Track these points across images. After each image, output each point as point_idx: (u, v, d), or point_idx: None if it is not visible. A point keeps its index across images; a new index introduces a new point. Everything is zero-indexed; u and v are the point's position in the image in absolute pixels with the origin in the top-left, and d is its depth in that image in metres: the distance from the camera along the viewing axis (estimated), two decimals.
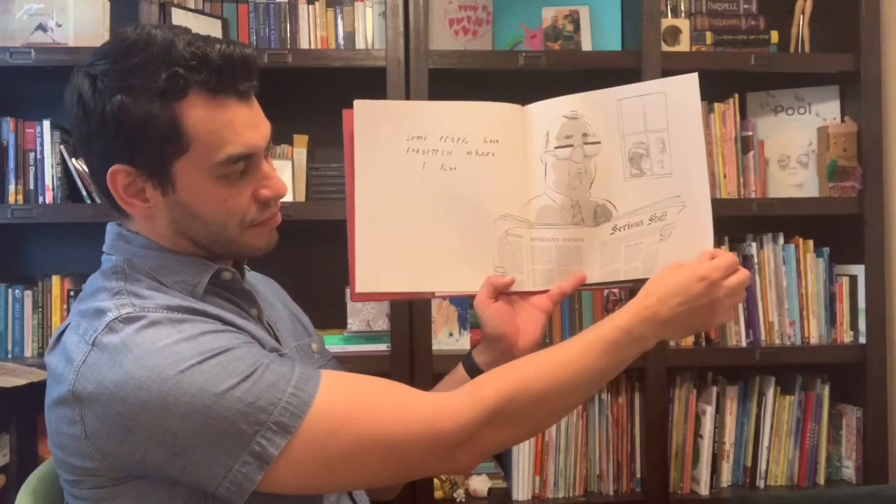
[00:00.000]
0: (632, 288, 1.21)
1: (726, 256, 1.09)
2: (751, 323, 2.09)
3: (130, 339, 0.91)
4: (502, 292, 1.19)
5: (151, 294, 0.98)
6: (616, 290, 2.09)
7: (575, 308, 2.11)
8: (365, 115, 1.16)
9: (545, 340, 2.09)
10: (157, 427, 0.89)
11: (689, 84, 1.14)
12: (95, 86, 0.97)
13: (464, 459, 0.98)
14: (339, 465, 0.94)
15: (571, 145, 1.16)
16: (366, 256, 1.15)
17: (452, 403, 0.97)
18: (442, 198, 1.17)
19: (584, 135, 1.16)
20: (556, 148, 1.17)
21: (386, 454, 0.94)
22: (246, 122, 1.00)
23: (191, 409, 0.89)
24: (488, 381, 1.00)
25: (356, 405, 0.95)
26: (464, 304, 2.03)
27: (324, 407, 0.93)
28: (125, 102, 0.95)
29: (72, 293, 2.01)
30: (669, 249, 1.15)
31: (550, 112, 1.18)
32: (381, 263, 1.16)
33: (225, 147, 0.98)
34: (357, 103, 1.16)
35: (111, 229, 1.07)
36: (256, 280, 1.24)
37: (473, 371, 1.21)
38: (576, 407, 1.07)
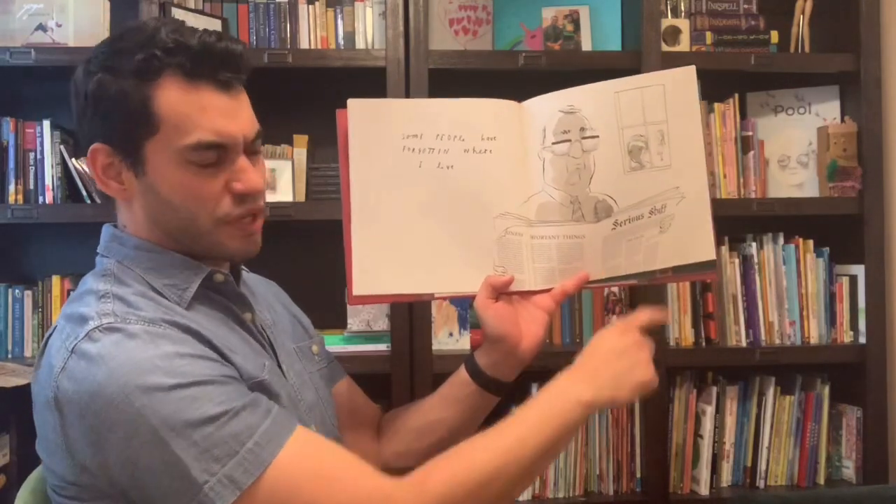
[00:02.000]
0: (635, 285, 1.21)
1: (639, 313, 1.10)
2: (751, 323, 2.09)
3: (107, 350, 0.90)
4: (502, 292, 1.16)
5: (136, 300, 0.97)
6: (616, 290, 2.09)
7: (575, 308, 2.11)
8: (359, 114, 1.14)
9: (545, 341, 2.10)
10: (122, 450, 0.89)
11: (686, 76, 1.15)
12: (87, 68, 1.00)
13: None
14: None
15: (569, 140, 1.15)
16: (362, 258, 1.13)
17: (400, 493, 0.93)
18: (439, 197, 1.15)
19: (582, 129, 1.14)
20: (553, 144, 1.15)
21: None
22: (221, 111, 0.99)
23: (152, 437, 0.88)
24: (434, 471, 0.96)
25: (313, 475, 0.92)
26: (464, 304, 2.03)
27: (281, 471, 0.90)
28: (103, 80, 0.98)
29: (71, 293, 2.01)
30: (669, 241, 1.15)
31: (546, 107, 1.16)
32: (379, 265, 1.14)
33: (194, 132, 0.97)
34: (350, 102, 1.14)
35: (106, 231, 1.07)
36: (256, 282, 1.23)
37: (476, 374, 1.19)
38: (527, 484, 1.03)
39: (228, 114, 0.99)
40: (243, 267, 1.17)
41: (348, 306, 2.00)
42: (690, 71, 1.15)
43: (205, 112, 0.98)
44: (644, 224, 1.15)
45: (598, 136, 1.14)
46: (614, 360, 1.05)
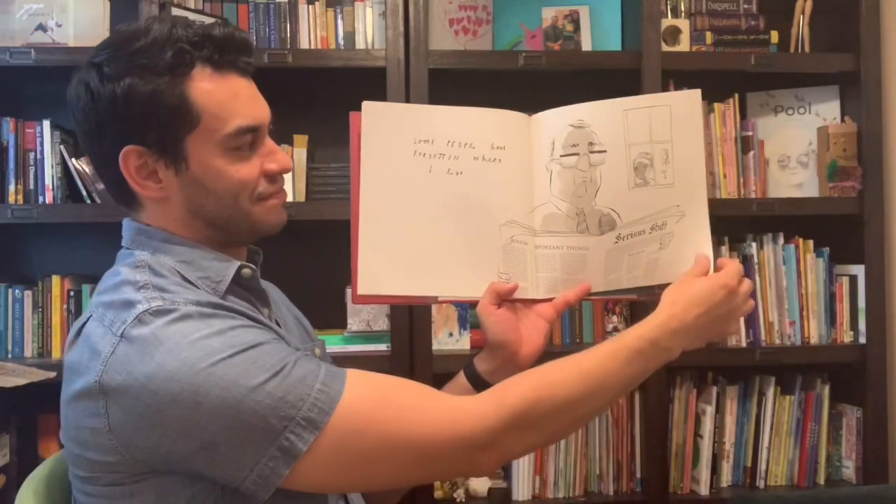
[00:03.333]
0: (634, 300, 1.20)
1: (736, 263, 1.12)
2: (751, 323, 2.09)
3: (161, 331, 0.91)
4: (505, 299, 1.18)
5: (177, 289, 0.98)
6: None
7: (575, 308, 2.10)
8: (372, 116, 1.15)
9: (545, 349, 2.10)
10: (186, 420, 0.89)
11: (692, 99, 1.17)
12: (103, 72, 0.99)
13: (485, 463, 0.97)
14: (365, 462, 0.94)
15: (577, 154, 1.16)
16: (368, 259, 1.14)
17: (476, 406, 0.97)
18: (447, 202, 1.16)
19: (591, 143, 1.15)
20: (561, 156, 1.17)
21: (410, 454, 0.94)
22: (250, 96, 1.04)
23: (221, 401, 0.89)
24: (513, 385, 0.99)
25: (382, 404, 0.95)
26: (464, 304, 2.03)
27: (351, 404, 0.93)
28: (133, 83, 0.98)
29: (72, 293, 2.01)
30: (668, 258, 1.16)
31: (557, 121, 1.17)
32: (384, 266, 1.15)
33: (234, 119, 1.01)
34: (365, 105, 1.15)
35: (129, 224, 1.07)
36: (263, 285, 1.24)
37: (475, 379, 1.21)
38: (598, 414, 1.08)
39: (254, 98, 1.05)
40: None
41: (348, 306, 2.00)
42: (696, 94, 1.17)
43: (238, 98, 1.02)
44: (645, 240, 1.16)
45: (605, 151, 1.15)
46: (706, 320, 1.08)
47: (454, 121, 1.17)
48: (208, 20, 2.00)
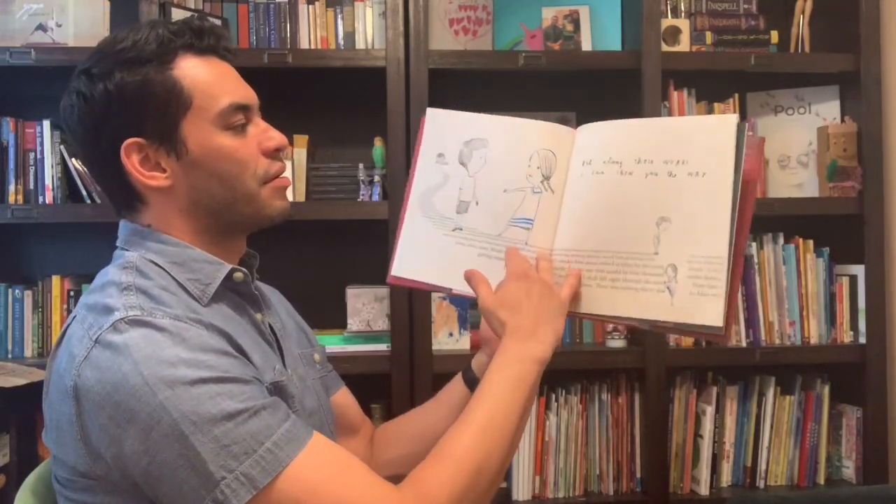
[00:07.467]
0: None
1: (511, 252, 1.11)
2: (751, 323, 2.09)
3: (133, 342, 0.91)
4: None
5: (160, 294, 0.97)
6: None
7: None
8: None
9: None
10: (139, 442, 0.89)
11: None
12: (91, 74, 1.01)
13: None
14: None
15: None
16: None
17: None
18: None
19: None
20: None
21: None
22: (234, 77, 1.06)
23: (172, 430, 0.88)
24: (428, 478, 0.95)
25: (327, 485, 0.92)
26: (464, 305, 2.03)
27: (298, 473, 0.90)
28: (123, 76, 1.00)
29: (72, 293, 2.02)
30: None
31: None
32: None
33: (224, 96, 1.03)
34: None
35: (125, 225, 1.07)
36: (262, 287, 1.24)
37: (468, 376, 1.23)
38: (515, 449, 1.04)
39: (239, 79, 1.06)
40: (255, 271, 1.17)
41: (348, 306, 2.00)
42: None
43: (224, 78, 1.04)
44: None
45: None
46: (540, 310, 1.05)
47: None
48: (214, 20, 2.01)
